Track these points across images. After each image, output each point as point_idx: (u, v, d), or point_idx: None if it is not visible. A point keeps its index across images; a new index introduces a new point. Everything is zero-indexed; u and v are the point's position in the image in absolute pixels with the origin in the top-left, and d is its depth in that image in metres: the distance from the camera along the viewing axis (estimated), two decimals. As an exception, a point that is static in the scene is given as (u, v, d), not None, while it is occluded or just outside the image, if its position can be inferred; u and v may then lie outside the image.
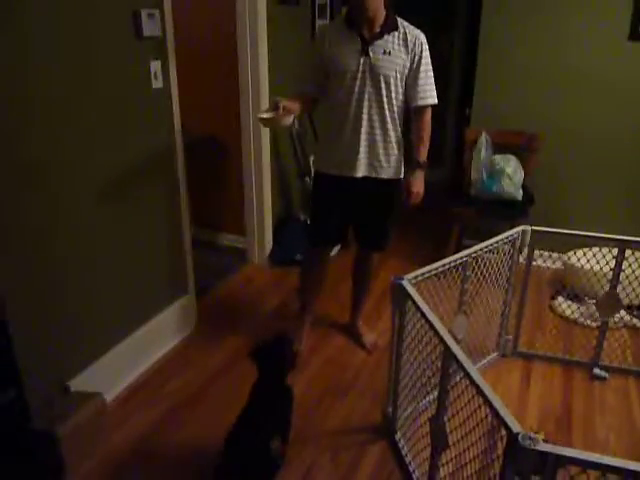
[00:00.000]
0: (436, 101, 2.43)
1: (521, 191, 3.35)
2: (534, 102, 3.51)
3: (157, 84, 2.45)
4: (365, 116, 2.35)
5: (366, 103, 2.33)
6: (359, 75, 2.30)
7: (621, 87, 3.33)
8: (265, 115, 2.28)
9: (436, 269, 2.13)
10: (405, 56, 2.32)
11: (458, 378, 1.65)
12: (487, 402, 1.40)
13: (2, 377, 1.73)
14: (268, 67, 3.36)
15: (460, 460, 1.68)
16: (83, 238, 2.19)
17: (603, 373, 2.63)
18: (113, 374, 2.43)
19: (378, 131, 2.38)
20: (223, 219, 3.97)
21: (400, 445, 2.14)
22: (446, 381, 1.67)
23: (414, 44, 2.33)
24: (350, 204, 2.53)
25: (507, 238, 2.41)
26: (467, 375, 1.50)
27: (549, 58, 3.42)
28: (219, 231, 4.02)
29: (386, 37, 2.29)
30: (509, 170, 3.24)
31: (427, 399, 2.16)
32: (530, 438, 1.24)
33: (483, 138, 3.38)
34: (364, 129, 2.36)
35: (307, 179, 3.79)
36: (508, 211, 3.34)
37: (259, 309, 3.18)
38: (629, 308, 3.05)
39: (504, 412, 1.33)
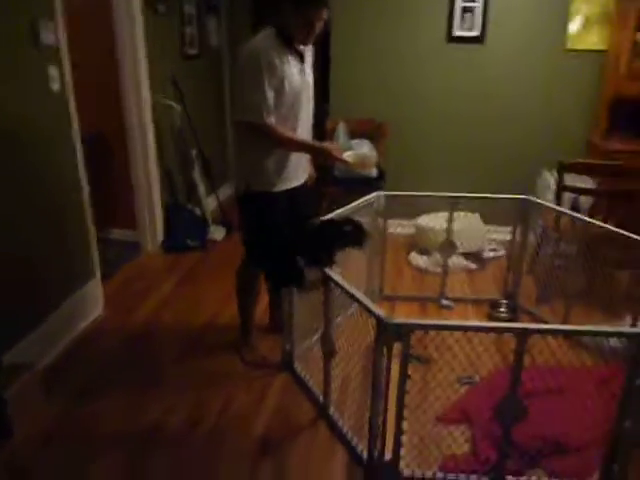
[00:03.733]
0: None
1: (375, 170, 4.02)
2: (380, 94, 4.24)
3: (55, 87, 2.74)
4: (305, 128, 2.51)
5: (304, 117, 2.48)
6: (302, 92, 2.41)
7: (442, 80, 4.17)
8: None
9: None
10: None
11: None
12: (359, 302, 1.95)
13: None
14: (148, 71, 3.72)
15: (347, 361, 2.23)
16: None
17: (449, 303, 3.36)
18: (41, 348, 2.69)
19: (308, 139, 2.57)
20: (113, 215, 4.21)
21: (298, 371, 2.66)
22: (328, 300, 2.20)
23: (313, 57, 2.55)
24: (296, 213, 2.59)
25: (366, 201, 3.02)
26: (341, 288, 2.05)
27: (388, 57, 4.16)
28: (109, 227, 4.26)
29: (307, 53, 2.47)
30: (364, 151, 3.89)
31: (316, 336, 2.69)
32: (388, 317, 1.81)
33: (340, 127, 4.02)
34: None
35: (191, 171, 4.19)
36: (366, 187, 3.98)
37: (159, 290, 3.53)
38: (464, 255, 3.85)
39: (371, 305, 1.90)
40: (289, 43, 2.33)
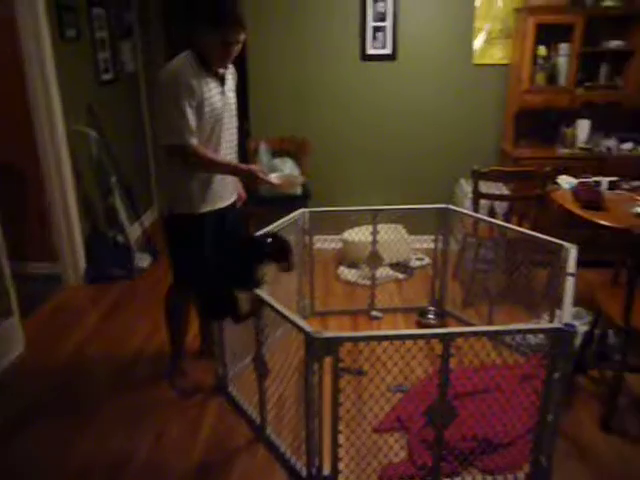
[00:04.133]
0: None
1: (301, 187, 4.06)
2: (300, 113, 4.30)
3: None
4: (229, 150, 2.53)
5: (227, 138, 2.50)
6: (223, 114, 2.41)
7: (359, 97, 4.29)
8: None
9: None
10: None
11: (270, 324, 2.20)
12: (287, 319, 1.96)
13: None
14: (61, 98, 3.61)
15: (281, 380, 2.22)
16: None
17: (379, 314, 3.42)
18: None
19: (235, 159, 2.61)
20: (30, 247, 4.03)
21: (233, 394, 2.63)
22: (260, 320, 2.19)
23: (236, 79, 2.59)
24: (224, 234, 2.58)
25: (291, 219, 3.05)
26: (270, 306, 2.05)
27: (306, 76, 4.23)
28: (27, 260, 4.06)
29: (228, 75, 2.48)
30: (287, 170, 3.93)
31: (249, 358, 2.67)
32: (317, 332, 1.83)
33: (262, 146, 4.04)
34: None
35: (110, 198, 4.07)
36: (292, 205, 4.01)
37: (84, 324, 3.40)
38: (391, 266, 3.94)
39: (300, 322, 1.91)
40: (207, 65, 2.33)
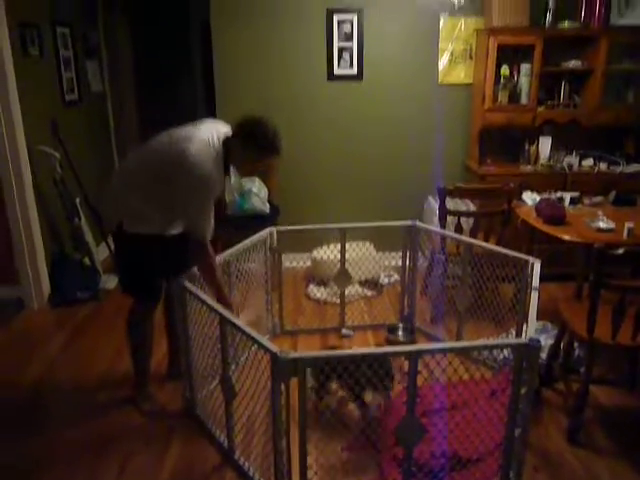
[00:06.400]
0: None
1: (268, 205, 4.05)
2: (267, 133, 4.29)
3: None
4: None
5: None
6: None
7: (326, 116, 4.32)
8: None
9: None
10: None
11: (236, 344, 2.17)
12: (254, 339, 1.94)
13: None
14: (23, 117, 3.54)
15: (249, 401, 2.19)
16: None
17: (349, 332, 3.41)
18: None
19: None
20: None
21: (201, 417, 2.58)
22: (225, 341, 2.16)
23: None
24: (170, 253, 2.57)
25: (258, 238, 3.03)
26: (236, 327, 2.02)
27: (273, 96, 4.24)
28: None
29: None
30: (255, 189, 3.93)
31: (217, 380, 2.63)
32: (283, 352, 1.81)
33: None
34: None
35: (76, 219, 4.00)
36: (260, 223, 4.00)
37: (47, 349, 3.30)
38: (360, 283, 3.94)
39: (265, 342, 1.89)
40: (227, 167, 2.42)
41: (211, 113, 4.27)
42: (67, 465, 2.35)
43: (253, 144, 2.32)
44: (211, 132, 2.35)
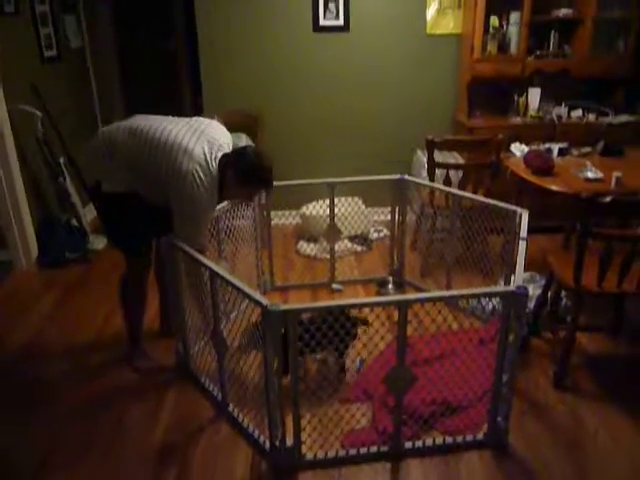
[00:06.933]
0: None
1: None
2: (254, 86, 4.24)
3: None
4: None
5: None
6: None
7: (313, 68, 4.24)
8: None
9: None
10: None
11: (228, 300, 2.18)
12: (244, 293, 1.94)
13: None
14: (1, 76, 3.45)
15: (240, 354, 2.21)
16: None
17: (340, 286, 3.44)
18: None
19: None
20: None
21: (194, 372, 2.60)
22: (216, 297, 2.17)
23: None
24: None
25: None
26: (227, 281, 2.03)
27: (258, 49, 4.15)
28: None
29: None
30: (241, 144, 3.85)
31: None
32: (273, 305, 1.82)
33: (215, 120, 3.94)
34: None
35: (61, 179, 3.94)
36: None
37: (37, 310, 3.29)
38: (350, 239, 3.95)
39: (255, 295, 1.89)
40: (220, 191, 2.38)
41: (194, 63, 4.17)
42: (64, 418, 2.39)
43: (250, 181, 2.38)
44: (211, 148, 2.32)
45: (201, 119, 2.50)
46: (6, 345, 2.94)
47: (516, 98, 4.18)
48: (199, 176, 2.24)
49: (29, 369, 2.76)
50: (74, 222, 4.09)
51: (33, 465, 2.15)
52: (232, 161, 2.33)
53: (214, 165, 2.30)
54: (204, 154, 2.28)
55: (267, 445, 2.14)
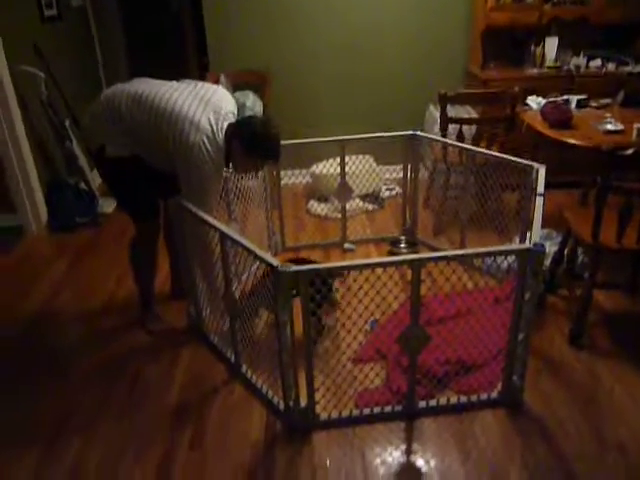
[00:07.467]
0: None
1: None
2: (260, 43, 4.11)
3: None
4: None
5: None
6: None
7: (318, 19, 4.09)
8: None
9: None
10: None
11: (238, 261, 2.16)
12: (254, 254, 1.91)
13: None
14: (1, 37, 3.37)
15: (250, 318, 2.20)
16: None
17: (352, 246, 3.40)
18: None
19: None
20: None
21: (207, 334, 2.60)
22: (227, 259, 2.14)
23: None
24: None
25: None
26: (237, 243, 1.99)
27: (262, 4, 3.99)
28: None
29: None
30: (248, 103, 3.79)
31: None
32: (284, 266, 1.79)
33: (222, 80, 3.87)
34: None
35: (68, 143, 3.89)
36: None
37: (49, 274, 3.29)
38: (361, 197, 3.89)
39: (267, 256, 1.86)
40: (227, 162, 2.35)
41: (199, 23, 4.05)
42: (80, 381, 2.41)
43: (256, 152, 2.29)
44: (217, 118, 2.24)
45: (207, 85, 2.41)
46: (20, 311, 2.95)
47: (532, 48, 4.02)
48: (206, 148, 2.19)
49: (43, 334, 2.77)
50: (83, 186, 4.06)
51: (51, 429, 2.17)
52: (238, 131, 2.27)
53: (220, 136, 2.24)
54: (210, 125, 2.22)
55: (281, 406, 2.14)
